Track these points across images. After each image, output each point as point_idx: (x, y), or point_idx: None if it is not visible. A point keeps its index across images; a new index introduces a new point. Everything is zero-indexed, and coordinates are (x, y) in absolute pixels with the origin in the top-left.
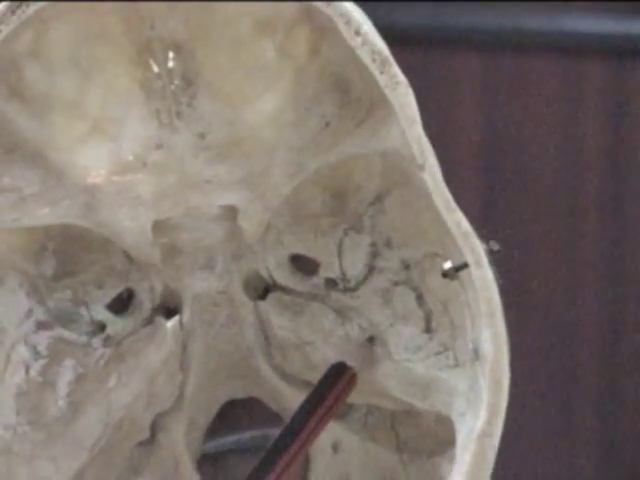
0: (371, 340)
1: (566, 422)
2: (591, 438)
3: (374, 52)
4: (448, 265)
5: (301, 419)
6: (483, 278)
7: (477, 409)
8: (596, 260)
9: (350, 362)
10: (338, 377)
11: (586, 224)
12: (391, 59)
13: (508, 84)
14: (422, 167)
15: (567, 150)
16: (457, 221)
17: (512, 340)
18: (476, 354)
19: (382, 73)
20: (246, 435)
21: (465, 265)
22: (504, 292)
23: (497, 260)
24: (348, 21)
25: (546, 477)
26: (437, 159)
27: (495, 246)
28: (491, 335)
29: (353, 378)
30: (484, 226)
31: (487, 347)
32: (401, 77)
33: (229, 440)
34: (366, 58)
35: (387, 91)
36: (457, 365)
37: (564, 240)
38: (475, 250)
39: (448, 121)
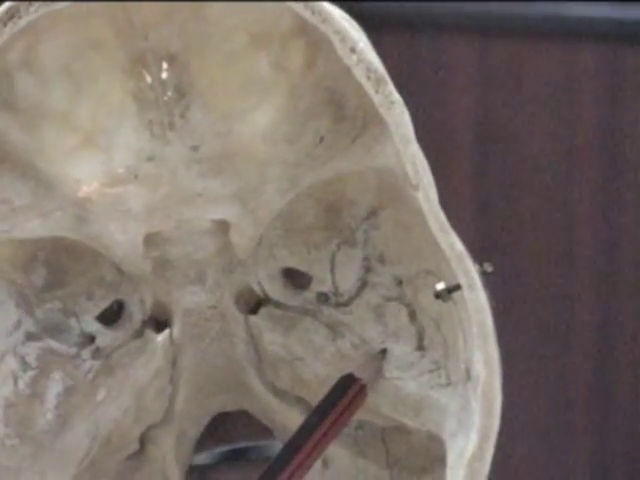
0: (383, 352)
1: (559, 428)
2: (584, 446)
3: (369, 70)
4: (441, 287)
5: (307, 431)
6: (476, 301)
7: (468, 430)
8: (591, 266)
9: (359, 374)
10: (346, 389)
11: (581, 213)
12: (386, 77)
13: (502, 70)
14: (416, 187)
15: (562, 136)
16: (451, 243)
17: (506, 342)
18: (468, 375)
19: (377, 92)
20: (236, 447)
21: (458, 287)
22: (499, 294)
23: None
24: (343, 38)
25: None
26: (431, 145)
27: (489, 268)
28: (483, 358)
29: (362, 390)
30: (478, 208)
31: (479, 369)
32: (396, 96)
33: (218, 451)
34: (361, 76)
35: (382, 110)
36: (449, 384)
37: (558, 228)
38: (468, 272)
39: (442, 107)
